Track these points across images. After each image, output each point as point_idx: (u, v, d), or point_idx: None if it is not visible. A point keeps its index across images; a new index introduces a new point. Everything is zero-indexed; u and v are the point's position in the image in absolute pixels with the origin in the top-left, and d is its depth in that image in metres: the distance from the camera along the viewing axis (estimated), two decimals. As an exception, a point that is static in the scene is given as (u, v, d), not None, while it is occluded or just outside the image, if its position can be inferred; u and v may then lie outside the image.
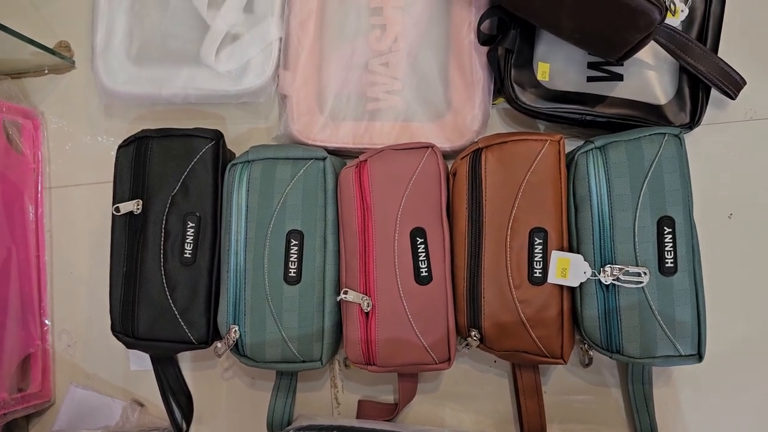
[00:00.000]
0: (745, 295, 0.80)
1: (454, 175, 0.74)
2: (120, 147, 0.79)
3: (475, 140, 0.78)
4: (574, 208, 0.72)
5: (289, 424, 0.77)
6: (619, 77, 0.78)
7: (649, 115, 0.76)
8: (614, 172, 0.70)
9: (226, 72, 0.81)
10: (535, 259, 0.70)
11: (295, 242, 0.74)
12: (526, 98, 0.77)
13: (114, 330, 0.77)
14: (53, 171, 0.88)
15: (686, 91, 0.77)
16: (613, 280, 0.69)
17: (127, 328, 0.76)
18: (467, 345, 0.74)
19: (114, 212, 0.77)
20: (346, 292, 0.72)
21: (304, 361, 0.74)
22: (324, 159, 0.76)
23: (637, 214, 0.69)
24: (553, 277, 0.70)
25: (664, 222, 0.69)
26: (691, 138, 0.79)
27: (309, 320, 0.73)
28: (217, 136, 0.78)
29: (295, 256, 0.74)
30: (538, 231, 0.70)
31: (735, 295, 0.80)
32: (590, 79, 0.78)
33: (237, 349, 0.75)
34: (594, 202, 0.70)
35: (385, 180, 0.72)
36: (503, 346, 0.72)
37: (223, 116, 0.86)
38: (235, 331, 0.74)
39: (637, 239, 0.69)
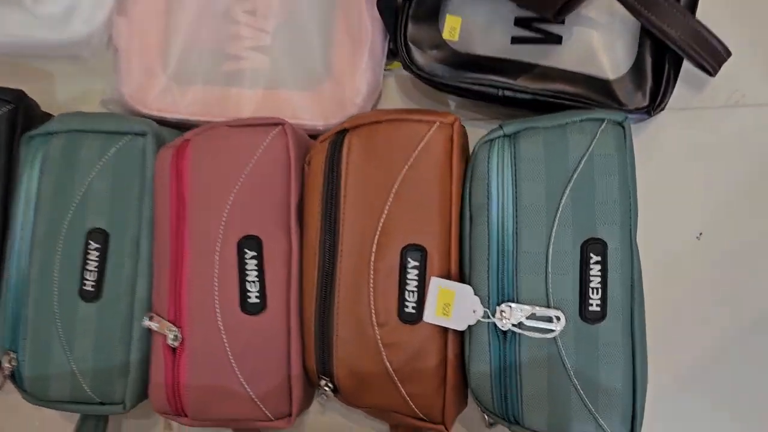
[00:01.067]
0: (711, 352, 0.58)
1: (310, 165, 0.54)
2: None
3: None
4: (469, 219, 0.51)
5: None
6: (557, 39, 0.56)
7: (592, 92, 0.55)
8: (525, 173, 0.49)
9: (45, 15, 0.62)
10: (408, 288, 0.50)
11: (95, 245, 0.55)
12: (424, 62, 0.56)
13: None
14: None
15: (647, 62, 0.55)
16: (513, 325, 0.48)
17: None
18: (322, 395, 0.54)
19: None
20: (151, 318, 0.52)
21: (102, 403, 0.55)
22: (144, 134, 0.56)
23: (554, 234, 0.48)
24: (431, 315, 0.50)
25: (591, 246, 0.48)
26: (648, 128, 0.58)
27: (109, 349, 0.54)
28: (17, 99, 0.59)
29: (95, 263, 0.54)
30: (413, 249, 0.50)
31: (697, 351, 0.58)
32: (516, 40, 0.56)
33: (15, 380, 0.56)
34: (493, 213, 0.50)
35: (210, 168, 0.52)
36: (364, 401, 0.53)
37: (52, 72, 0.67)
38: (12, 359, 0.55)
39: (550, 269, 0.48)
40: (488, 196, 0.50)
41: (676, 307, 0.58)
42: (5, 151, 0.58)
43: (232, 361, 0.51)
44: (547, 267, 0.48)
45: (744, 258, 0.58)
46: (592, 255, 0.48)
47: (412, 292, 0.50)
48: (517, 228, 0.49)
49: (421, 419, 0.52)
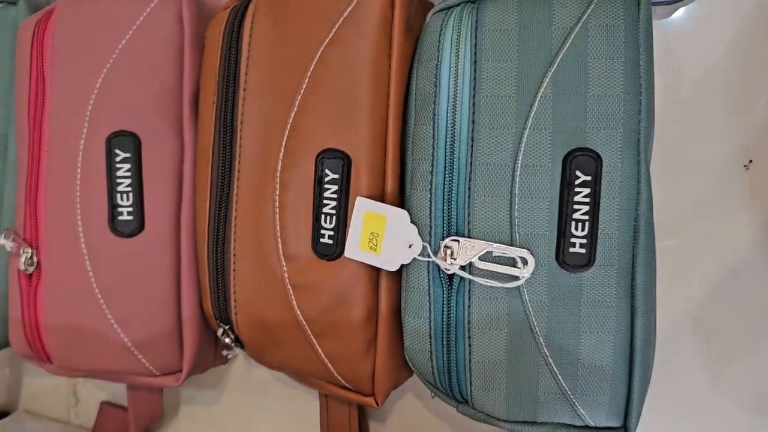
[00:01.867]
0: (752, 324, 0.42)
1: (206, 40, 0.40)
2: None
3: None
4: (413, 117, 0.37)
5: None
6: None
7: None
8: (489, 50, 0.34)
9: None
10: (325, 209, 0.37)
11: (-49, 142, 0.43)
12: None
13: None
14: None
15: None
16: (463, 267, 0.34)
17: None
18: (229, 349, 0.42)
19: None
20: (7, 235, 0.41)
21: (-37, 341, 0.45)
22: (16, 2, 0.44)
23: (525, 140, 0.34)
24: (354, 248, 0.36)
25: (578, 160, 0.33)
26: (681, 17, 0.41)
27: (-33, 275, 0.43)
28: None
29: (-49, 165, 0.43)
30: (332, 157, 0.36)
31: (739, 322, 0.42)
32: None
33: None
34: (442, 107, 0.35)
35: (76, 41, 0.39)
36: (274, 358, 0.40)
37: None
38: None
39: (517, 190, 0.34)
40: (437, 84, 0.35)
41: (708, 259, 0.42)
42: None
43: (99, 295, 0.39)
44: (512, 187, 0.34)
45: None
46: (578, 173, 0.33)
47: (330, 215, 0.36)
48: (473, 128, 0.34)
49: (346, 388, 0.39)
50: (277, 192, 0.37)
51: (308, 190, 0.37)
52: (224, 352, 0.44)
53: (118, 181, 0.39)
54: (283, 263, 0.37)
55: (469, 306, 0.35)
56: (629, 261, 0.34)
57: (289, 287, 0.37)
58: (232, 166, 0.38)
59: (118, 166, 0.39)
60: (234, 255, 0.38)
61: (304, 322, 0.38)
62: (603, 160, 0.33)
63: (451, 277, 0.35)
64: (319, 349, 0.38)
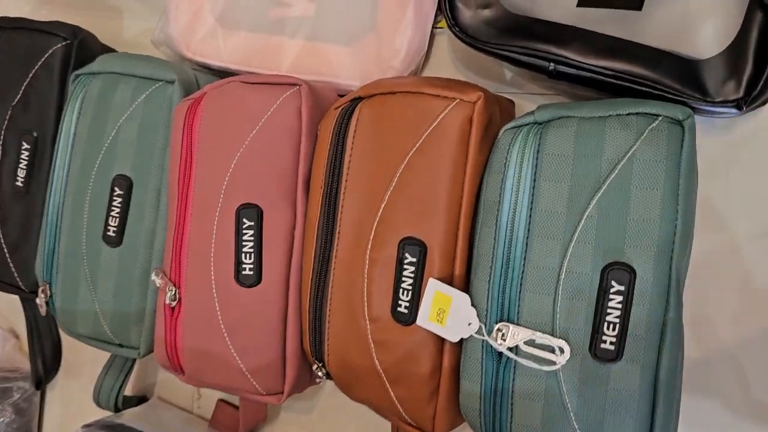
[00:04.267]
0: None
1: (319, 133, 0.49)
2: (-29, 37, 0.63)
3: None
4: (481, 216, 0.44)
5: (117, 407, 0.61)
6: (636, 4, 0.45)
7: (669, 76, 0.44)
8: (547, 170, 0.41)
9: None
10: (403, 285, 0.45)
11: (119, 192, 0.55)
12: (470, 21, 0.48)
13: (-47, 256, 0.65)
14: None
15: (752, 39, 0.43)
16: (510, 348, 0.41)
17: (-38, 256, 0.64)
18: (320, 378, 0.52)
19: (-45, 117, 0.63)
20: (157, 273, 0.52)
21: (120, 345, 0.57)
22: (172, 82, 0.54)
23: (570, 250, 0.40)
24: (424, 319, 0.44)
25: (614, 272, 0.39)
26: (741, 127, 0.45)
27: (127, 295, 0.55)
28: (73, 35, 0.60)
29: (118, 210, 0.55)
30: (411, 244, 0.44)
31: None
32: (584, 1, 0.46)
33: (50, 310, 0.59)
34: (504, 214, 0.42)
35: (218, 127, 0.49)
36: (356, 394, 0.49)
37: (121, 8, 0.67)
38: (45, 289, 0.58)
39: (561, 291, 0.40)
40: (501, 195, 0.42)
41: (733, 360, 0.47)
42: (59, 87, 0.59)
43: (224, 331, 0.49)
44: (557, 287, 0.40)
45: None
46: (613, 283, 0.39)
47: (407, 290, 0.45)
48: (528, 236, 0.41)
49: (411, 425, 0.48)
50: (366, 266, 0.45)
51: (391, 268, 0.45)
52: (317, 379, 0.54)
53: (244, 242, 0.48)
54: (368, 322, 0.46)
55: (513, 379, 0.42)
56: (654, 359, 0.40)
57: (371, 341, 0.46)
58: (332, 240, 0.47)
59: (244, 231, 0.48)
60: (330, 309, 0.47)
61: (380, 370, 0.46)
62: (637, 274, 0.39)
63: (500, 353, 0.42)
64: (392, 393, 0.47)
